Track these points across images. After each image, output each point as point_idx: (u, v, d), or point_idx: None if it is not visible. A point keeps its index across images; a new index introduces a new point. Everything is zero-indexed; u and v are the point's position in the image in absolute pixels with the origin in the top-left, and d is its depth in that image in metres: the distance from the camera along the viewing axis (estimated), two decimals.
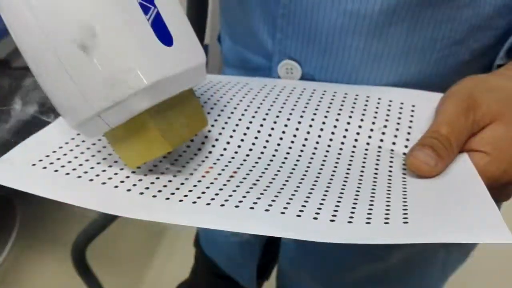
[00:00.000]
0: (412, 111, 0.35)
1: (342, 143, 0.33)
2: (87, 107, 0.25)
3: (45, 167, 0.29)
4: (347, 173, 0.30)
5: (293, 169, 0.31)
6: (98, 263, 0.92)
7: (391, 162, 0.31)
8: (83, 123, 0.26)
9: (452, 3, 0.36)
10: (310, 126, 0.34)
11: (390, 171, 0.30)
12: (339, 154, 0.32)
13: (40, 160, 0.30)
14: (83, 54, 0.24)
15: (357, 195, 0.27)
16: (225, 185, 0.28)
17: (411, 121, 0.34)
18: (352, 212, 0.25)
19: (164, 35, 0.26)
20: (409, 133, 0.33)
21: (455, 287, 0.65)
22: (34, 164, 0.29)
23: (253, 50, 0.45)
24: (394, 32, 0.37)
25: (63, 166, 0.29)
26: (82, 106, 0.26)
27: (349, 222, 0.24)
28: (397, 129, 0.34)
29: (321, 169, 0.31)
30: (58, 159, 0.30)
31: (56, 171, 0.29)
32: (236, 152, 0.32)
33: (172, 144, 0.28)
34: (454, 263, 0.58)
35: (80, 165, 0.30)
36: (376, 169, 0.31)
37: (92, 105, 0.25)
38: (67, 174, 0.29)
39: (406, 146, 0.33)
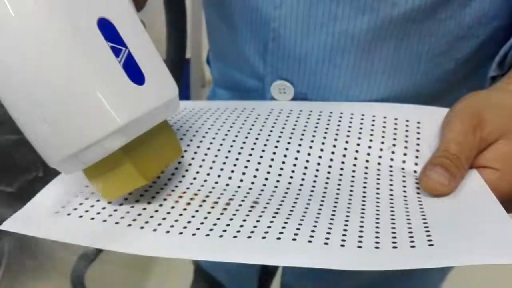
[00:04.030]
0: (418, 127, 0.36)
1: (354, 165, 0.34)
2: (63, 149, 0.26)
3: (69, 214, 0.29)
4: (364, 196, 0.30)
5: (311, 195, 0.31)
6: (96, 285, 0.91)
7: (404, 181, 0.32)
8: (60, 162, 0.27)
9: (435, 17, 0.38)
10: (321, 150, 0.34)
11: (405, 191, 0.31)
12: (353, 176, 0.33)
13: (63, 207, 0.30)
14: (57, 99, 0.25)
15: (377, 218, 0.28)
16: (247, 215, 0.28)
17: (418, 138, 0.35)
18: (377, 237, 0.25)
19: (136, 75, 0.28)
20: (417, 150, 0.34)
21: (453, 284, 0.66)
22: (57, 212, 0.30)
23: (245, 73, 0.46)
24: (381, 49, 0.39)
25: (87, 211, 0.30)
26: (58, 148, 0.27)
27: (376, 247, 0.24)
28: (405, 147, 0.34)
29: (337, 193, 0.31)
30: (81, 204, 0.30)
31: (81, 216, 0.29)
32: (252, 183, 0.33)
33: (147, 178, 0.29)
34: None
35: (104, 208, 0.30)
36: (391, 189, 0.31)
37: (68, 146, 0.26)
38: (92, 219, 0.29)
39: (416, 164, 0.33)
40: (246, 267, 0.61)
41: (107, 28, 0.27)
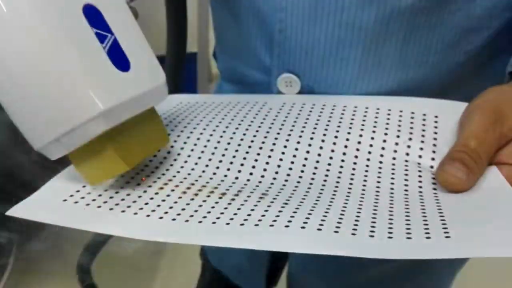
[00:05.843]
0: (436, 122, 0.35)
1: (368, 159, 0.33)
2: (45, 133, 0.27)
3: (76, 202, 0.30)
4: (377, 189, 0.30)
5: (322, 189, 0.30)
6: (102, 281, 0.91)
7: (420, 176, 0.31)
8: (44, 146, 0.28)
9: (444, 9, 0.37)
10: (334, 144, 0.34)
11: (420, 186, 0.30)
12: (366, 171, 0.32)
13: (71, 196, 0.31)
14: (39, 83, 0.26)
15: (391, 210, 0.27)
16: (256, 205, 0.28)
17: (435, 133, 0.34)
18: (390, 228, 0.25)
19: (121, 61, 0.28)
20: (434, 145, 0.33)
21: (464, 283, 0.65)
22: (65, 200, 0.30)
23: (251, 66, 0.45)
24: (389, 41, 0.38)
25: (94, 200, 0.30)
26: (40, 132, 0.27)
27: (389, 237, 0.24)
28: (422, 141, 0.34)
29: (350, 187, 0.31)
30: (89, 193, 0.31)
31: (88, 204, 0.30)
32: (262, 176, 0.33)
33: (130, 164, 0.29)
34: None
35: (111, 197, 0.30)
36: (406, 184, 0.30)
37: (50, 131, 0.27)
38: (99, 207, 0.29)
39: (433, 159, 0.32)
40: (254, 262, 0.61)
41: (93, 15, 0.27)
